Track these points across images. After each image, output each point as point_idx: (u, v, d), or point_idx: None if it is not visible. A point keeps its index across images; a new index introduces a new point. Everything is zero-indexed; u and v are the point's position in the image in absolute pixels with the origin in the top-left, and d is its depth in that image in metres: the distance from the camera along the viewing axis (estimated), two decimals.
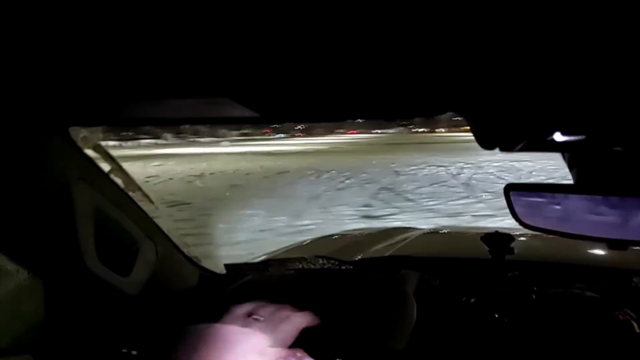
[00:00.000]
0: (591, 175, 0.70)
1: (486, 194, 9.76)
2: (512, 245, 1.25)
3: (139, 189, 1.14)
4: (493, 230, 1.31)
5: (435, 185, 10.92)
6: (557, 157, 0.73)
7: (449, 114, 0.66)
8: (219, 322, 0.79)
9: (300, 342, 1.12)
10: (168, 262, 1.23)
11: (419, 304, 1.14)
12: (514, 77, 0.51)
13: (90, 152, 1.00)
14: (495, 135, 0.63)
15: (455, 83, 0.55)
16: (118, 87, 0.63)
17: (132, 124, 0.90)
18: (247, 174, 14.93)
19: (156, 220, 1.19)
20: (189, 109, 0.75)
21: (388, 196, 9.71)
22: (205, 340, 0.71)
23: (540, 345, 1.04)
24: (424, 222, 6.74)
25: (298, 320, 0.80)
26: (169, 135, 51.84)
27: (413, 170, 14.50)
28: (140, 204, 1.14)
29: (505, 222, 1.26)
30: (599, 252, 1.37)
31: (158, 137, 49.40)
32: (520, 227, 0.82)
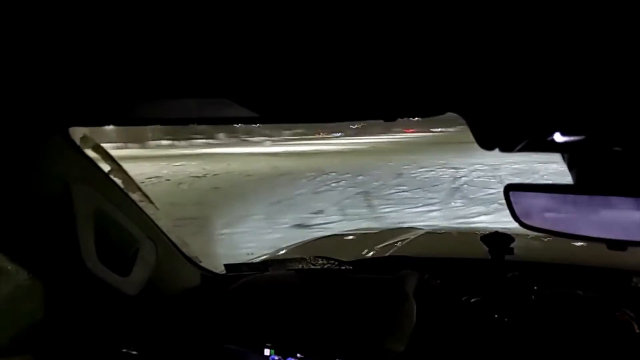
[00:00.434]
0: (591, 175, 0.70)
1: (460, 200, 8.97)
2: (512, 245, 1.25)
3: (139, 189, 1.14)
4: (493, 231, 1.31)
5: (416, 191, 10.37)
6: None
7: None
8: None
9: (300, 342, 1.13)
10: (168, 262, 1.23)
11: (419, 304, 1.14)
12: (514, 77, 0.51)
13: (90, 153, 1.00)
14: (495, 136, 0.63)
15: (455, 83, 0.55)
16: (118, 88, 0.63)
17: (132, 124, 0.90)
18: (247, 176, 14.74)
19: (156, 221, 1.19)
20: (189, 109, 0.76)
21: (354, 202, 9.23)
22: None
23: (539, 345, 1.04)
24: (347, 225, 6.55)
25: None
26: (221, 135, 51.83)
27: (420, 172, 13.97)
28: (140, 204, 1.14)
29: None
30: (599, 252, 1.37)
31: (212, 137, 49.34)
32: (519, 227, 0.82)
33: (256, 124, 0.84)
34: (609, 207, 0.70)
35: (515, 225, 0.82)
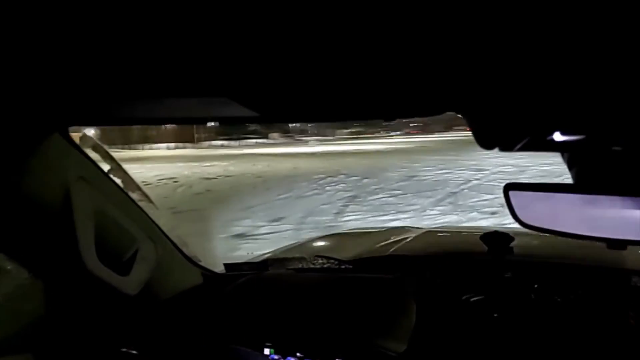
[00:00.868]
0: (590, 175, 0.70)
1: (441, 207, 8.42)
2: (512, 245, 1.26)
3: (139, 188, 1.14)
4: (492, 230, 1.31)
5: (406, 196, 9.75)
6: None
7: None
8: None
9: (300, 341, 1.13)
10: (168, 262, 1.23)
11: (419, 303, 1.14)
12: (514, 76, 0.51)
13: (90, 152, 1.01)
14: (495, 135, 0.63)
15: (455, 83, 0.55)
16: (117, 87, 0.63)
17: (131, 124, 0.90)
18: (257, 177, 14.50)
19: (156, 220, 1.19)
20: (189, 109, 0.76)
21: (327, 208, 8.58)
22: None
23: (539, 344, 1.04)
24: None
25: None
26: (275, 135, 51.79)
27: (436, 174, 13.34)
28: (140, 203, 1.14)
29: None
30: (598, 251, 1.37)
31: (265, 137, 49.26)
32: (519, 226, 0.82)
33: (256, 123, 0.84)
34: (609, 206, 0.70)
35: (515, 224, 0.82)
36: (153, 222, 1.17)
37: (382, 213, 8.25)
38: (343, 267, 1.40)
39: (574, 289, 1.15)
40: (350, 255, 1.51)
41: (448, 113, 0.66)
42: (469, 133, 0.63)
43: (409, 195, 10.10)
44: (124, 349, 1.15)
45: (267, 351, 1.09)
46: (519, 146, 0.62)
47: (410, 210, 8.35)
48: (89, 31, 0.46)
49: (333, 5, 0.38)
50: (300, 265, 1.42)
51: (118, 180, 1.08)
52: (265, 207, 8.98)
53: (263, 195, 10.43)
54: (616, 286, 1.15)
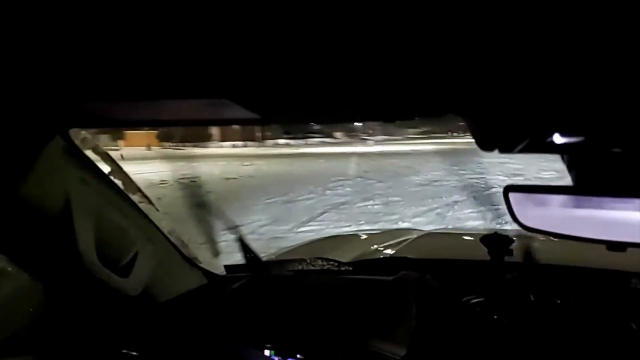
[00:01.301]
0: (590, 176, 0.70)
1: (420, 219, 7.80)
2: (511, 247, 1.26)
3: (139, 190, 1.14)
4: (492, 232, 1.31)
5: (394, 205, 9.09)
6: None
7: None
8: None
9: (300, 343, 1.13)
10: (168, 263, 1.23)
11: (419, 305, 1.14)
12: (513, 78, 0.51)
13: (90, 154, 1.01)
14: (494, 137, 0.63)
15: (454, 85, 0.55)
16: (118, 89, 0.64)
17: (132, 125, 0.91)
18: (277, 175, 14.16)
19: (156, 222, 1.19)
20: (189, 111, 0.76)
21: (297, 215, 8.18)
22: None
23: (539, 346, 1.04)
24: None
25: None
26: (339, 134, 51.43)
27: (452, 180, 12.90)
28: (140, 205, 1.14)
29: None
30: (598, 253, 1.37)
31: (329, 136, 49.01)
32: (519, 228, 0.82)
33: (256, 125, 0.84)
34: (609, 208, 0.70)
35: (514, 226, 0.82)
36: (153, 223, 1.17)
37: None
38: (343, 269, 1.40)
39: (574, 291, 1.15)
40: (350, 257, 1.51)
41: None
42: None
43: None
44: (125, 351, 1.14)
45: (267, 353, 1.09)
46: (518, 148, 0.62)
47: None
48: (90, 34, 0.46)
49: (334, 6, 0.38)
50: (300, 267, 1.42)
51: (118, 182, 1.08)
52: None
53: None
54: (616, 288, 1.15)
